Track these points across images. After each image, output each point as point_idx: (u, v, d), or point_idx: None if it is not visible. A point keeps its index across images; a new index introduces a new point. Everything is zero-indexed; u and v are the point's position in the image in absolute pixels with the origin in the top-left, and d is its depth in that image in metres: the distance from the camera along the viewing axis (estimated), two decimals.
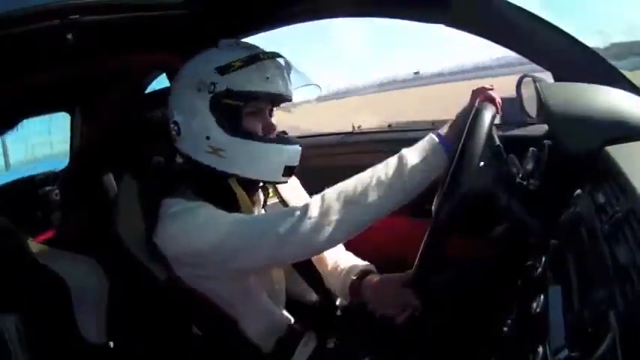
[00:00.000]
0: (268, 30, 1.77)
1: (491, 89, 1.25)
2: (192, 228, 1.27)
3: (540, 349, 0.80)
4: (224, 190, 1.38)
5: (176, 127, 1.38)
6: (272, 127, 1.38)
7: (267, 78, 1.31)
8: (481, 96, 1.25)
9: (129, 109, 1.82)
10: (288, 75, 1.40)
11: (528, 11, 1.26)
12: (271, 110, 1.41)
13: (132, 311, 1.59)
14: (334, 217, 1.21)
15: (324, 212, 1.21)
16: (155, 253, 1.35)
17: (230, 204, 1.36)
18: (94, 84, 1.83)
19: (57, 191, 1.90)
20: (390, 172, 1.22)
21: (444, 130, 1.27)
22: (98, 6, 1.21)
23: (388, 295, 1.40)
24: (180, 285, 1.36)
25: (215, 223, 1.26)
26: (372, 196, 1.21)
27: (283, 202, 1.59)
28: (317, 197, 1.25)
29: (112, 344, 1.56)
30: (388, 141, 2.21)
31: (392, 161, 1.24)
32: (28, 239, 1.58)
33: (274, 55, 1.36)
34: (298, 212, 1.23)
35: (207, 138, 1.32)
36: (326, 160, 2.29)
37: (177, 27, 1.55)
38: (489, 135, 1.10)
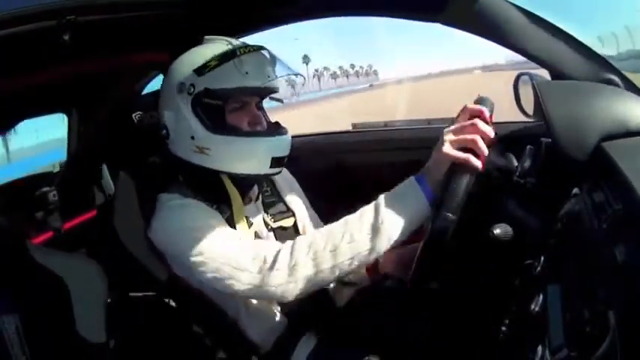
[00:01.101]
0: (266, 29, 1.77)
1: (487, 121, 1.10)
2: (182, 231, 1.30)
3: (539, 349, 0.80)
4: (216, 186, 1.41)
5: (165, 130, 1.41)
6: (258, 119, 1.39)
7: (246, 73, 1.31)
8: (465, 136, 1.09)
9: (125, 110, 1.82)
10: (272, 67, 1.39)
11: (525, 9, 1.25)
12: (258, 103, 1.43)
13: (131, 310, 1.59)
14: (301, 274, 1.18)
15: (293, 268, 1.19)
16: (153, 248, 1.37)
17: (222, 199, 1.40)
18: (91, 85, 1.82)
19: (54, 192, 1.89)
20: (365, 230, 1.14)
21: (427, 174, 1.14)
22: (95, 6, 1.21)
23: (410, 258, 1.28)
24: (179, 283, 1.37)
25: (203, 240, 1.26)
26: (343, 257, 1.15)
27: (280, 198, 1.60)
28: (287, 248, 1.21)
29: (111, 343, 1.56)
30: (385, 140, 2.21)
31: (367, 217, 1.15)
32: (26, 240, 1.58)
33: (253, 49, 1.35)
34: (268, 263, 1.21)
35: (192, 138, 1.35)
36: (324, 159, 2.29)
37: (174, 27, 1.55)
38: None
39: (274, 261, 1.20)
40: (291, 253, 1.20)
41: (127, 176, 1.51)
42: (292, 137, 1.44)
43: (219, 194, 1.42)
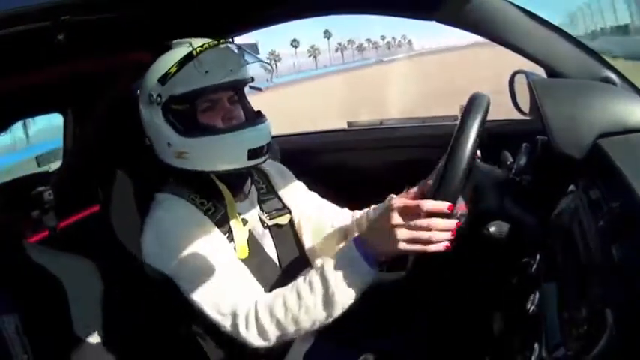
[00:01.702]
0: (258, 29, 1.77)
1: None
2: (172, 244, 1.33)
3: (536, 347, 0.80)
4: (208, 186, 1.43)
5: (148, 140, 1.45)
6: (232, 114, 1.40)
7: (206, 71, 1.31)
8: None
9: (121, 110, 1.81)
10: (238, 59, 1.39)
11: (520, 7, 1.25)
12: (232, 96, 1.42)
13: (129, 309, 1.59)
14: (270, 335, 1.24)
15: (261, 330, 1.24)
16: None
17: (215, 197, 1.43)
18: (87, 85, 1.81)
19: (50, 191, 1.89)
20: (319, 303, 1.19)
21: (369, 244, 1.17)
22: (89, 6, 1.20)
23: None
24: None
25: (188, 266, 1.31)
26: (304, 323, 1.22)
27: (276, 195, 1.60)
28: (252, 312, 1.25)
29: (109, 343, 1.56)
30: (381, 139, 2.21)
31: (318, 290, 1.19)
32: (23, 239, 1.58)
33: (212, 45, 1.35)
34: (241, 321, 1.25)
35: (169, 145, 1.38)
36: (319, 158, 2.29)
37: (169, 27, 1.54)
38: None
39: (246, 320, 1.25)
40: (256, 319, 1.24)
41: (125, 175, 1.51)
42: (288, 137, 1.44)
43: (212, 193, 1.43)
